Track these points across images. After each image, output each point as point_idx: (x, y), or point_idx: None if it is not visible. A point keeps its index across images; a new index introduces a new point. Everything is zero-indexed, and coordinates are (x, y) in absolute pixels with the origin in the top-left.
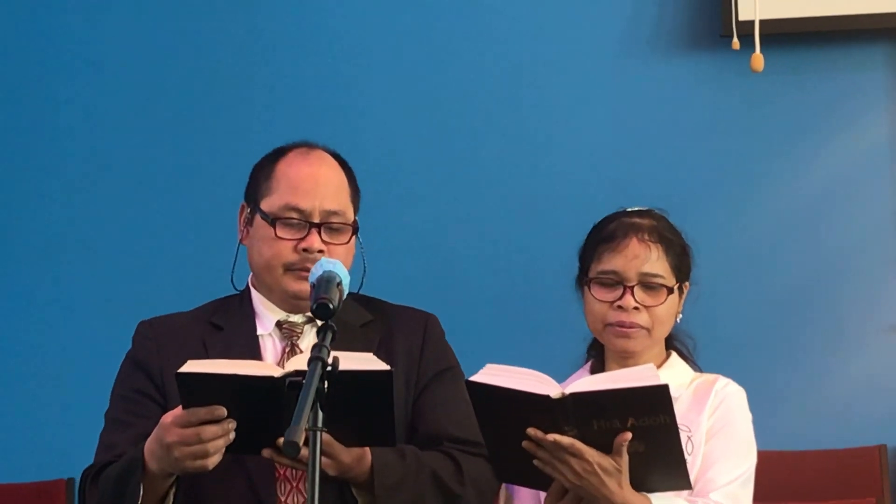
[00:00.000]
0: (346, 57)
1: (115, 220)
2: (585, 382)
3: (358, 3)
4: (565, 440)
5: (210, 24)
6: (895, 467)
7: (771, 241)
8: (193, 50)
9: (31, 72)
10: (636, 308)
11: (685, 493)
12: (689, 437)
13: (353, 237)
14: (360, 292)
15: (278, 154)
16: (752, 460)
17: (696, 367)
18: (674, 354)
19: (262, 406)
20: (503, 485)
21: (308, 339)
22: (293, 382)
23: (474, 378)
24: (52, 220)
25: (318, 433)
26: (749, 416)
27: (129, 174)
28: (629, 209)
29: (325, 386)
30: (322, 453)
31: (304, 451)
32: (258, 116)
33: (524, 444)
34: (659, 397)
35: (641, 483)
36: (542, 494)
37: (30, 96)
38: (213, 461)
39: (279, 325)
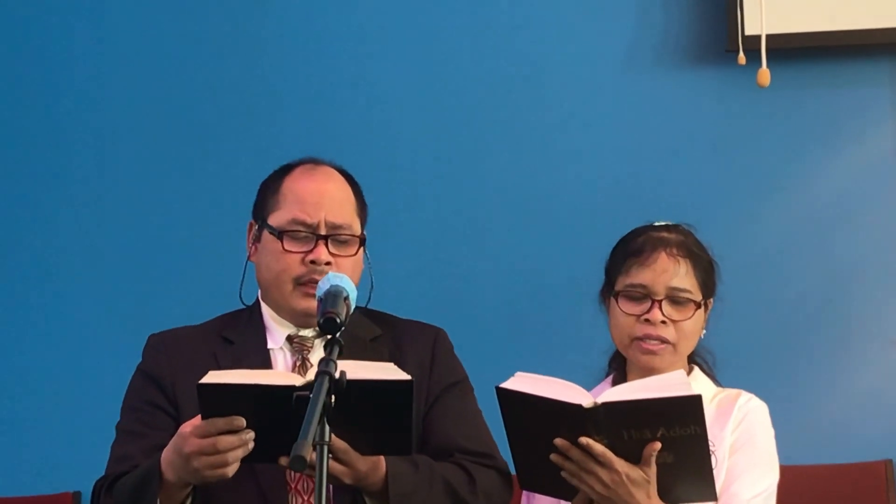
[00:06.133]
0: (354, 69)
1: (121, 231)
2: (617, 392)
3: (364, 14)
4: (598, 447)
5: (216, 34)
6: None
7: (776, 255)
8: (201, 60)
9: (37, 82)
10: (663, 322)
11: None
12: (712, 452)
13: (361, 250)
14: (369, 306)
15: (285, 171)
16: (774, 476)
17: (717, 381)
18: (696, 369)
19: (281, 415)
20: (522, 500)
21: (318, 352)
22: (300, 397)
23: (505, 385)
24: (59, 232)
25: (325, 447)
26: (772, 431)
27: (135, 185)
28: (656, 223)
29: (332, 400)
30: (338, 461)
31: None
32: (265, 125)
33: (552, 457)
34: (691, 407)
35: (668, 493)
36: None
37: (35, 105)
38: (232, 470)
39: (290, 339)
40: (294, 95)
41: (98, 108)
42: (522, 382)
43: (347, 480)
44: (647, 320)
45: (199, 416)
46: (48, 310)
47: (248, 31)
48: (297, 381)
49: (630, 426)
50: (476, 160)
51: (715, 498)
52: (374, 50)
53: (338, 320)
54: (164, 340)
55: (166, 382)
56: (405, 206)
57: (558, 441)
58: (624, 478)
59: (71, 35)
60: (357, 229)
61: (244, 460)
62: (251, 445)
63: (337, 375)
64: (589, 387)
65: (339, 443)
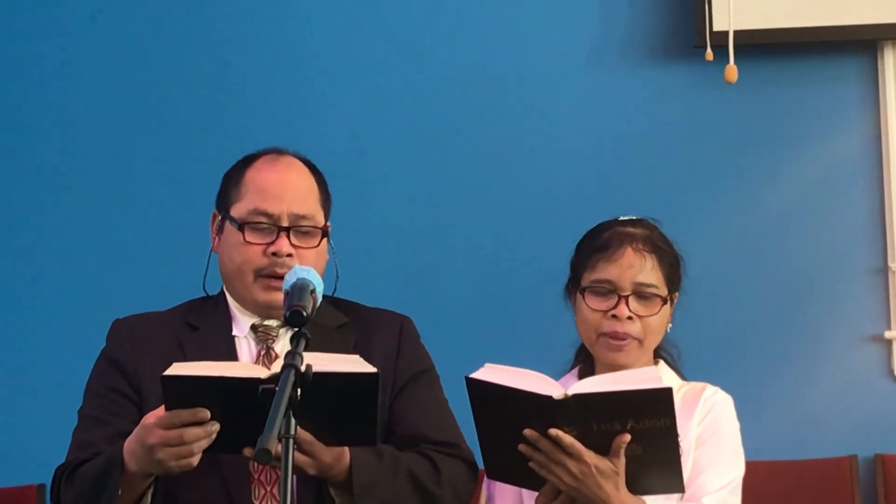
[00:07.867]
0: (322, 65)
1: (86, 223)
2: (587, 384)
3: (334, 12)
4: (567, 439)
5: (184, 21)
6: (866, 478)
7: (743, 251)
8: (167, 54)
9: (2, 73)
10: (630, 318)
11: (675, 497)
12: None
13: (324, 241)
14: (335, 296)
15: (247, 161)
16: (740, 469)
17: (682, 375)
18: (661, 362)
19: (245, 407)
20: (483, 487)
21: (283, 342)
22: (266, 390)
23: (474, 375)
24: (24, 223)
25: (291, 441)
26: (737, 424)
27: (101, 177)
28: (622, 218)
29: (299, 393)
30: (303, 452)
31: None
32: (232, 119)
33: (521, 447)
34: (662, 400)
35: (636, 485)
36: (525, 494)
37: (1, 98)
38: (196, 460)
39: (254, 328)
40: (262, 85)
41: (63, 98)
42: (492, 373)
43: (311, 471)
44: (613, 316)
45: (163, 406)
46: (10, 300)
47: (217, 19)
48: (261, 373)
49: (600, 418)
50: (444, 153)
51: (683, 489)
52: (345, 42)
53: (304, 314)
54: (129, 325)
55: (130, 369)
56: (373, 198)
57: (528, 432)
58: (593, 469)
59: (36, 23)
60: (320, 220)
61: (207, 451)
62: (214, 436)
63: (303, 369)
64: (555, 378)
65: (304, 434)
